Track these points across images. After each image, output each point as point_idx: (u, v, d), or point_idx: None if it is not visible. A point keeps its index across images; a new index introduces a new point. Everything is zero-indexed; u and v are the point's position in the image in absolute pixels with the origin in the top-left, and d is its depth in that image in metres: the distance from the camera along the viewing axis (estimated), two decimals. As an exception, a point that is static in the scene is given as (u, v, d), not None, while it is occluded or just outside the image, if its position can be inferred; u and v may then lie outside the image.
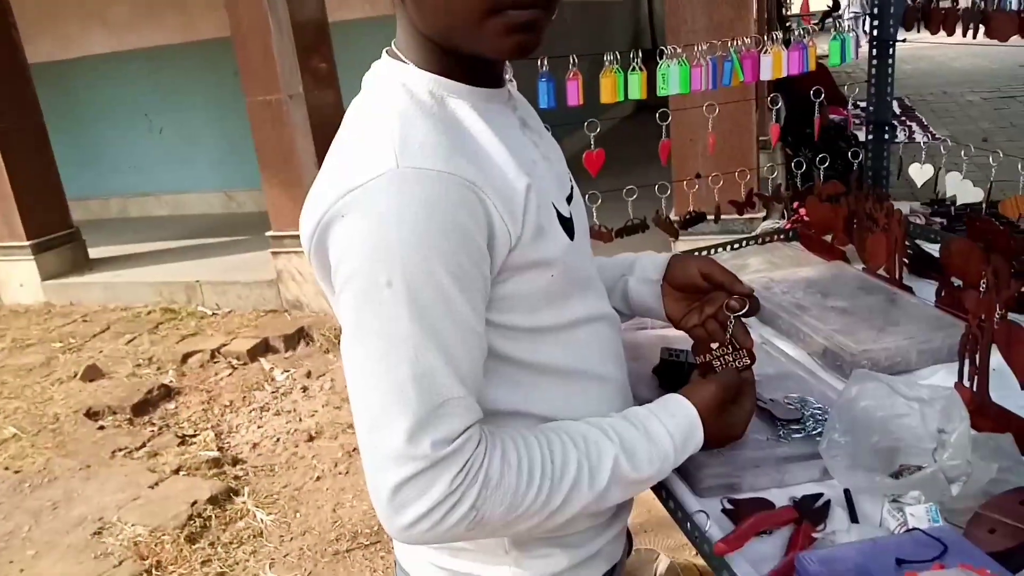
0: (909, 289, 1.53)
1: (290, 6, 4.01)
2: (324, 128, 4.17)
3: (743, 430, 0.96)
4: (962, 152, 1.71)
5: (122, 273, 5.17)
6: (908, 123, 8.66)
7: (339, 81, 4.38)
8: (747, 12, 3.43)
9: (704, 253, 1.85)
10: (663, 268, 1.10)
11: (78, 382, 3.91)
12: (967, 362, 1.13)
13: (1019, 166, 1.58)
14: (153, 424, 3.48)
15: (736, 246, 1.88)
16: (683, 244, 2.77)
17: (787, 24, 15.43)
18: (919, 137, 7.90)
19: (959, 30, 1.68)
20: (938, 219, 4.72)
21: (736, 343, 1.01)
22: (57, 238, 5.22)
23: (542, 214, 0.81)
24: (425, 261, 0.71)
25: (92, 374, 3.93)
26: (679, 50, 1.70)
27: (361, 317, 0.73)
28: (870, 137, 1.97)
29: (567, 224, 0.87)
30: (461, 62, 0.82)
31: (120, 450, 3.22)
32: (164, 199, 6.85)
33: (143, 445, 3.25)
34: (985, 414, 1.10)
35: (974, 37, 1.65)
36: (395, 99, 0.80)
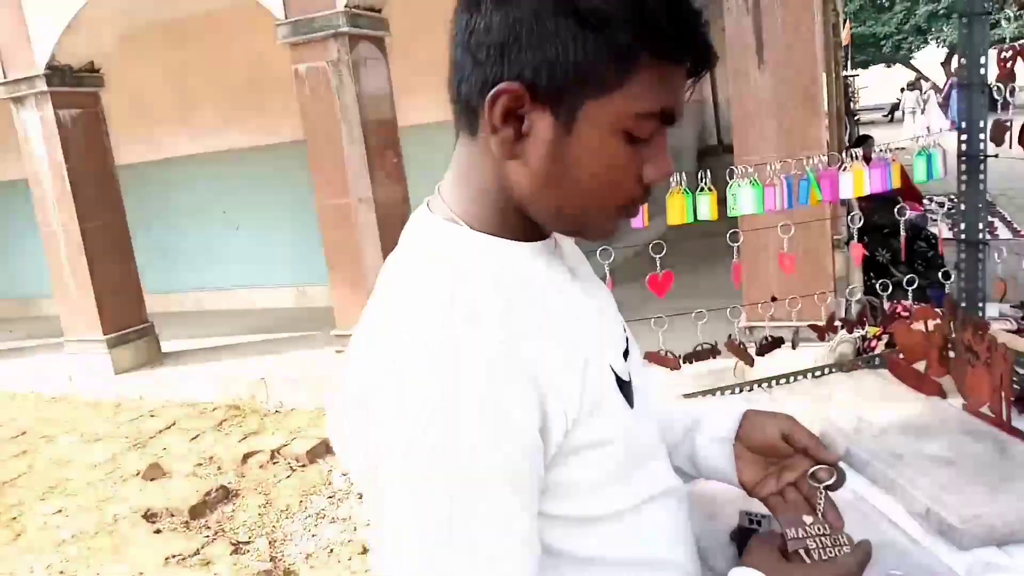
0: (1021, 433, 1.36)
1: (362, 113, 4.13)
2: (392, 229, 4.22)
3: None
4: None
5: (192, 368, 5.25)
6: (990, 219, 8.33)
7: (408, 183, 4.46)
8: (817, 117, 3.35)
9: (783, 381, 1.71)
10: (736, 425, 0.98)
11: (140, 480, 3.91)
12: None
13: None
14: (209, 528, 3.42)
15: (818, 374, 1.74)
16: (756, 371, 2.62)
17: (855, 117, 15.32)
18: (1003, 234, 7.57)
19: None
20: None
21: (831, 526, 0.88)
22: (132, 332, 5.37)
23: (601, 385, 0.74)
24: (472, 463, 0.63)
25: (154, 473, 3.93)
26: (751, 169, 1.62)
27: (396, 530, 0.64)
28: (962, 256, 1.83)
29: (626, 388, 0.78)
30: (517, 219, 0.76)
31: (174, 556, 3.16)
32: (238, 294, 7.03)
33: (197, 552, 3.18)
34: None
35: (1077, 155, 1.53)
36: (443, 266, 0.73)
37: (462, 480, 0.62)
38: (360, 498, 3.56)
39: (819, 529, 0.89)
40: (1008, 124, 1.71)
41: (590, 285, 0.86)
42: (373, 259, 4.22)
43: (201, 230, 7.00)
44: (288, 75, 4.28)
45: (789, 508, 0.92)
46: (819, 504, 0.90)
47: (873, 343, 2.84)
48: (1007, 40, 1.71)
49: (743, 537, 1.07)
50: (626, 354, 0.85)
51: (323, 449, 4.05)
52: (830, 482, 0.90)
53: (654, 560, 0.80)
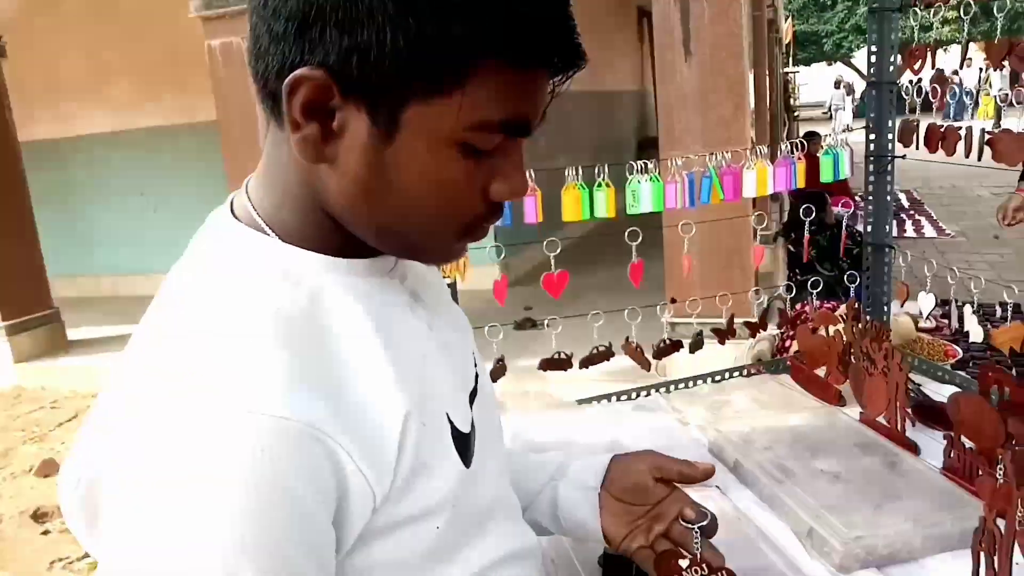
0: (913, 446, 1.32)
1: (279, 94, 3.95)
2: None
3: None
4: (971, 284, 1.52)
5: (98, 357, 4.99)
6: (917, 217, 8.55)
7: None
8: (743, 112, 3.32)
9: (682, 386, 1.65)
10: (603, 472, 0.88)
11: (32, 477, 3.68)
12: (982, 563, 0.92)
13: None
14: (104, 529, 3.24)
15: (718, 379, 1.68)
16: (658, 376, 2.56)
17: (795, 114, 15.60)
18: (929, 232, 7.76)
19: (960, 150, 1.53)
20: (945, 319, 4.51)
21: (709, 566, 0.81)
22: (34, 319, 5.09)
23: (427, 444, 0.60)
24: (228, 558, 0.49)
25: (47, 469, 3.71)
26: (651, 165, 1.54)
27: None
28: (868, 260, 1.79)
29: (465, 442, 0.66)
30: (338, 231, 0.62)
31: (60, 559, 2.97)
32: (155, 278, 6.66)
33: (86, 555, 3.00)
34: (1008, 637, 0.89)
35: (979, 159, 1.49)
36: (224, 292, 0.59)
37: (215, 573, 0.49)
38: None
39: (697, 572, 0.82)
40: (915, 124, 1.66)
41: (436, 314, 0.72)
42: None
43: (117, 211, 6.68)
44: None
45: (661, 560, 0.84)
46: (696, 546, 0.83)
47: (788, 342, 2.82)
48: (914, 42, 1.66)
49: (609, 562, 1.00)
50: (474, 396, 0.72)
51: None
52: (704, 523, 0.84)
53: None
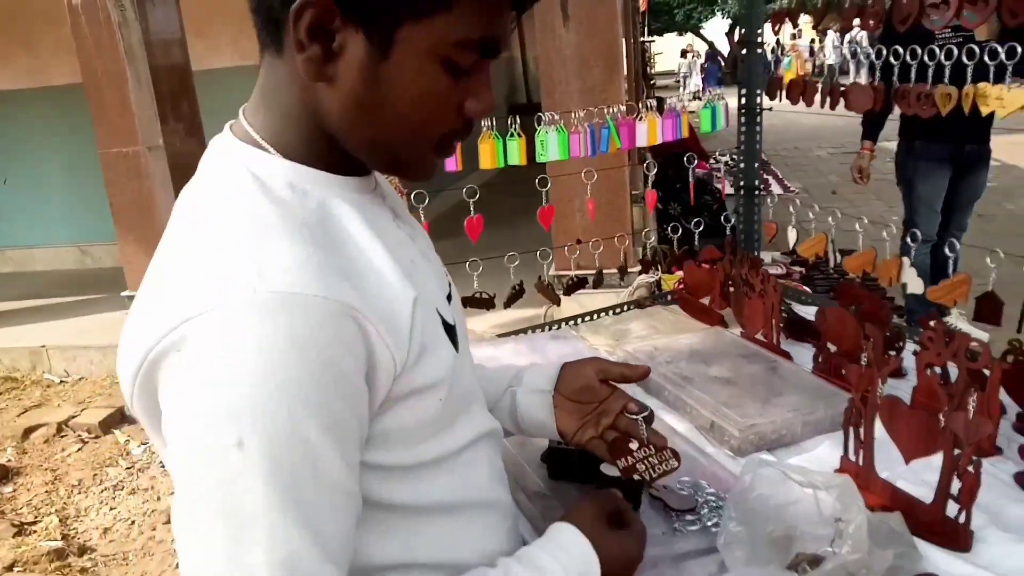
0: (787, 355, 1.54)
1: (150, 54, 3.79)
2: (187, 181, 3.91)
3: (641, 551, 0.86)
4: (829, 219, 1.77)
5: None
6: (764, 176, 9.22)
7: (204, 132, 4.16)
8: (618, 75, 3.52)
9: (587, 319, 1.82)
10: (555, 377, 1.02)
11: None
12: (851, 436, 1.14)
13: (884, 233, 1.64)
14: (-16, 512, 3.08)
15: (618, 311, 1.86)
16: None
17: (651, 82, 16.18)
18: (775, 189, 8.40)
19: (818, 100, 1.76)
20: (798, 268, 4.98)
21: (655, 446, 0.97)
22: None
23: (428, 328, 0.71)
24: (289, 414, 0.58)
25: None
26: (557, 117, 1.68)
27: (200, 488, 0.59)
28: (741, 201, 2.02)
29: (451, 332, 0.77)
30: (331, 151, 0.71)
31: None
32: (9, 254, 6.26)
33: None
34: (872, 489, 1.10)
35: (832, 108, 1.73)
36: (248, 198, 0.66)
37: (276, 433, 0.58)
38: (163, 466, 3.36)
39: (645, 452, 0.97)
40: (780, 79, 1.89)
41: (412, 228, 0.84)
42: (166, 213, 3.91)
43: (-41, 184, 6.13)
44: (60, 8, 3.81)
45: (615, 445, 0.98)
46: (642, 431, 0.98)
47: (679, 287, 3.09)
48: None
49: (552, 457, 1.15)
50: (449, 298, 0.84)
51: (118, 418, 3.76)
52: (646, 413, 0.99)
53: (473, 502, 0.81)
